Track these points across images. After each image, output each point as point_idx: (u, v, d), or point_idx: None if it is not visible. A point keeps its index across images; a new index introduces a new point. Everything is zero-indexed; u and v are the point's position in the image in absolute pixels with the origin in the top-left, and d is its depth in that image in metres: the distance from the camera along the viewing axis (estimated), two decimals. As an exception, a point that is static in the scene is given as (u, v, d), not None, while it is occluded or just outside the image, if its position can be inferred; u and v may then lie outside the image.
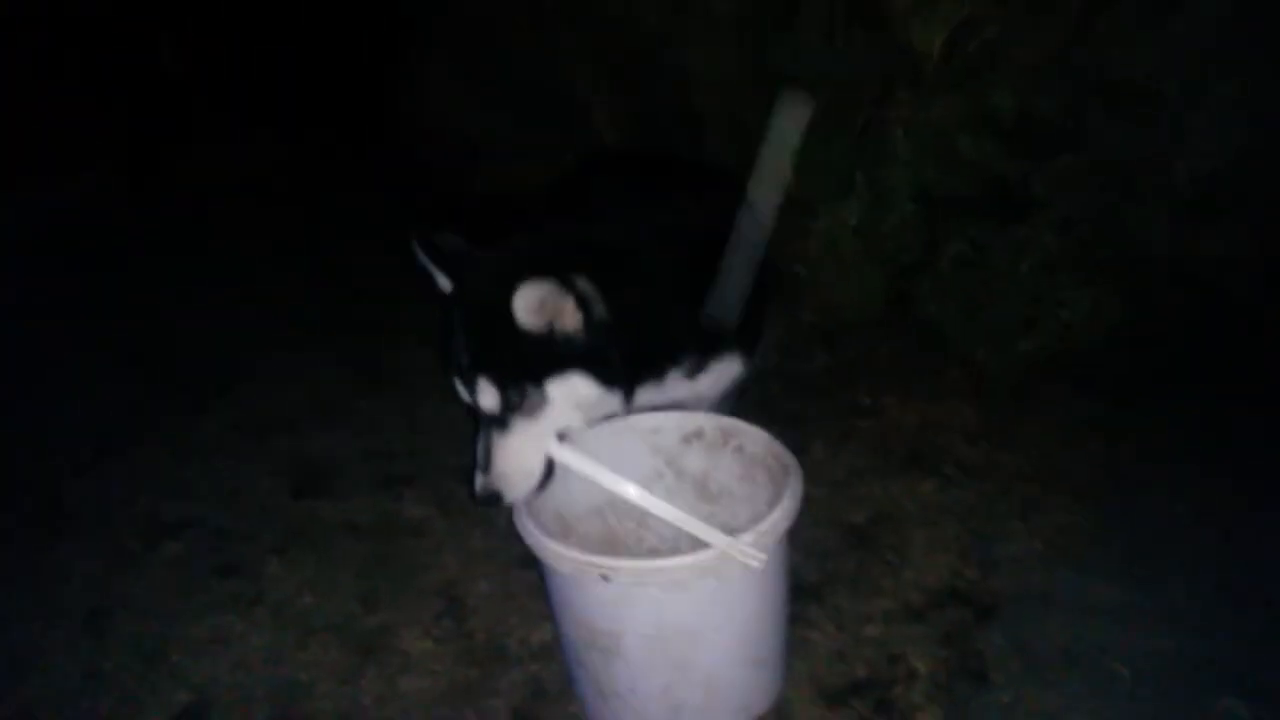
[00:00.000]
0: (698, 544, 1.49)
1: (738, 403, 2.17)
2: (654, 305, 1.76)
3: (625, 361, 1.70)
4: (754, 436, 1.78)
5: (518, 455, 1.65)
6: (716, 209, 2.03)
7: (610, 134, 3.22)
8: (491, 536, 2.25)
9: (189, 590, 2.19)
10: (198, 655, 1.98)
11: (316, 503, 2.50)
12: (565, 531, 1.80)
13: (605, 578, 1.45)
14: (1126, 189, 2.49)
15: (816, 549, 2.16)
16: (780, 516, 1.52)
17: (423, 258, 1.80)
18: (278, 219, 4.91)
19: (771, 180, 2.05)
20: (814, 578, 2.07)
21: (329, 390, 3.12)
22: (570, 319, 1.62)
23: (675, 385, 1.93)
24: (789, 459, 1.67)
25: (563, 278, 1.59)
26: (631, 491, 1.57)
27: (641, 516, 1.95)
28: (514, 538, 1.62)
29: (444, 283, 1.81)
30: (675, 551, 1.56)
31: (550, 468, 1.69)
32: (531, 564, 1.90)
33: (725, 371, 2.00)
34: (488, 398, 1.64)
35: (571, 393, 1.65)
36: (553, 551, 1.50)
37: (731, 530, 1.49)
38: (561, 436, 1.69)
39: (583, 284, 1.64)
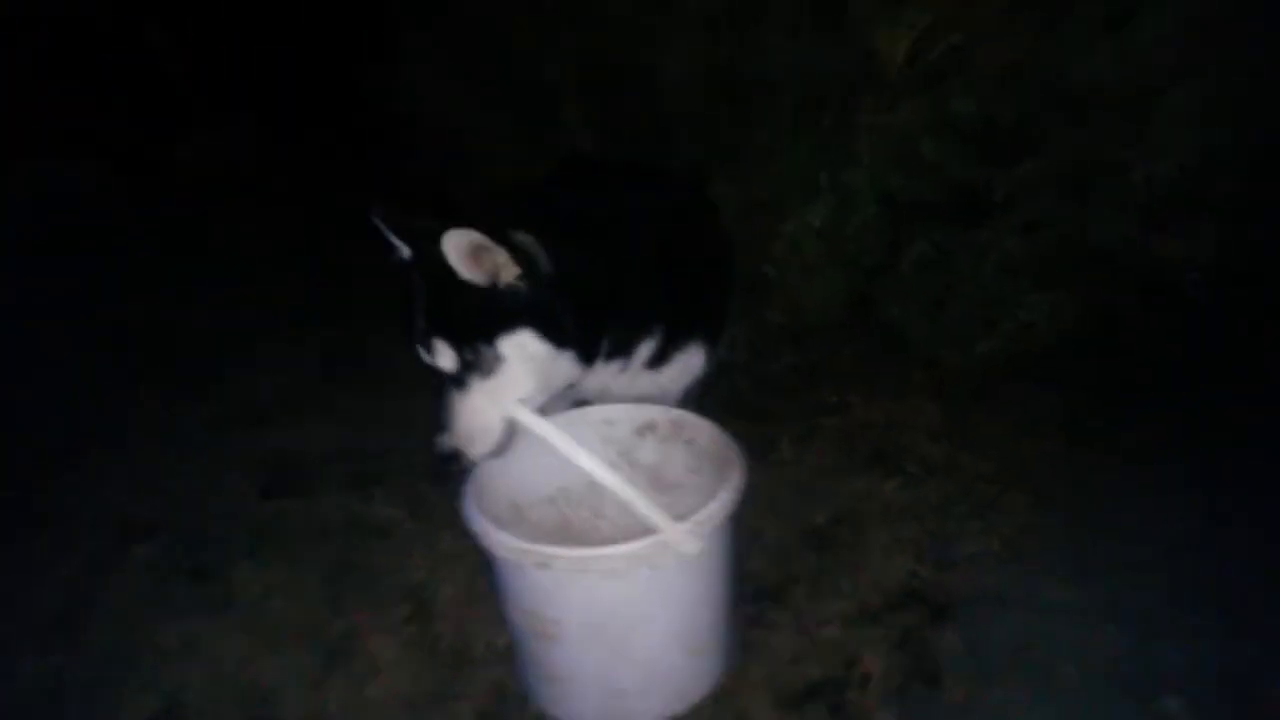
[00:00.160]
0: (647, 533, 1.54)
1: (704, 399, 2.20)
2: (604, 268, 1.78)
3: (578, 323, 1.72)
4: (703, 429, 1.84)
5: (476, 414, 1.69)
6: (674, 202, 2.11)
7: (583, 135, 3.23)
8: (460, 538, 2.28)
9: (160, 595, 2.21)
10: (168, 661, 2.00)
11: (287, 502, 2.52)
12: (518, 520, 1.86)
13: (545, 565, 1.51)
14: (1087, 192, 2.53)
15: (779, 550, 2.20)
16: (718, 507, 1.57)
17: (382, 227, 1.82)
18: (274, 216, 4.94)
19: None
20: (775, 579, 2.11)
21: (308, 385, 3.14)
22: (507, 271, 1.65)
23: (638, 377, 1.96)
24: (733, 452, 1.72)
25: (490, 227, 1.62)
26: (584, 460, 1.60)
27: (596, 505, 2.01)
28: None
29: (403, 251, 1.82)
30: (630, 540, 1.61)
31: (510, 434, 1.73)
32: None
33: (688, 364, 2.04)
34: (444, 358, 1.68)
35: (523, 351, 1.67)
36: (494, 540, 1.56)
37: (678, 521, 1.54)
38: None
39: (521, 237, 1.68)
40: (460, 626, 2.04)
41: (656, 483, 1.93)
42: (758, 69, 2.69)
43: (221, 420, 2.95)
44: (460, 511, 1.67)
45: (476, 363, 1.67)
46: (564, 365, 1.73)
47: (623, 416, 1.94)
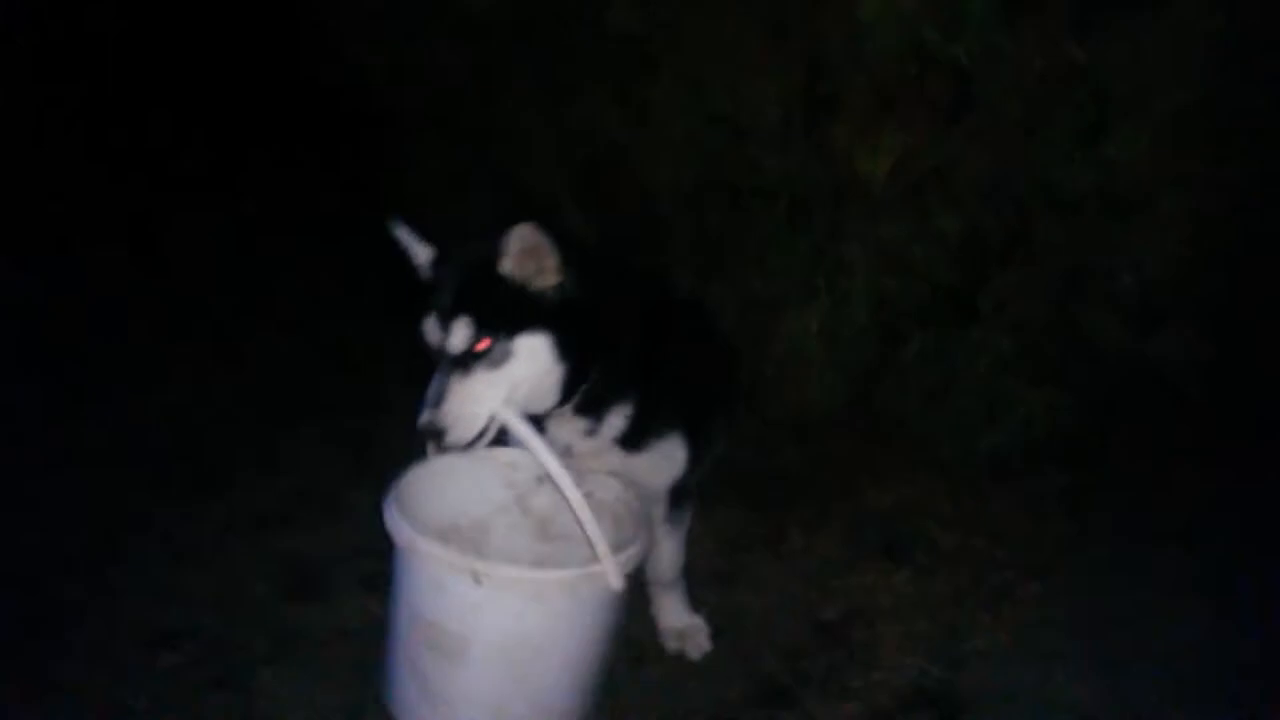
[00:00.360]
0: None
1: (709, 486, 2.23)
2: (609, 315, 1.87)
3: (579, 346, 1.80)
4: (607, 485, 1.93)
5: (472, 399, 1.74)
6: (682, 301, 2.31)
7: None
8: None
9: (184, 705, 2.25)
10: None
11: (307, 607, 2.56)
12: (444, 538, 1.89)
13: (477, 580, 1.55)
14: (1076, 295, 2.59)
15: (789, 647, 2.22)
16: (636, 552, 1.71)
17: (402, 233, 1.92)
18: (272, 296, 4.99)
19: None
20: (785, 679, 2.13)
21: (320, 481, 3.18)
22: (548, 277, 1.75)
23: (609, 453, 1.98)
24: (643, 512, 1.87)
25: (555, 235, 1.74)
26: (554, 467, 1.68)
27: (480, 546, 2.03)
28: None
29: (423, 254, 1.91)
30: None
31: (487, 433, 1.78)
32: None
33: (668, 455, 2.03)
34: (459, 337, 1.73)
35: (533, 352, 1.75)
36: (424, 550, 1.60)
37: None
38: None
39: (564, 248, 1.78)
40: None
41: (542, 532, 2.00)
42: (750, 178, 2.78)
43: (235, 522, 2.91)
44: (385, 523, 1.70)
45: (488, 350, 1.73)
46: (551, 383, 1.80)
47: (527, 462, 1.98)
